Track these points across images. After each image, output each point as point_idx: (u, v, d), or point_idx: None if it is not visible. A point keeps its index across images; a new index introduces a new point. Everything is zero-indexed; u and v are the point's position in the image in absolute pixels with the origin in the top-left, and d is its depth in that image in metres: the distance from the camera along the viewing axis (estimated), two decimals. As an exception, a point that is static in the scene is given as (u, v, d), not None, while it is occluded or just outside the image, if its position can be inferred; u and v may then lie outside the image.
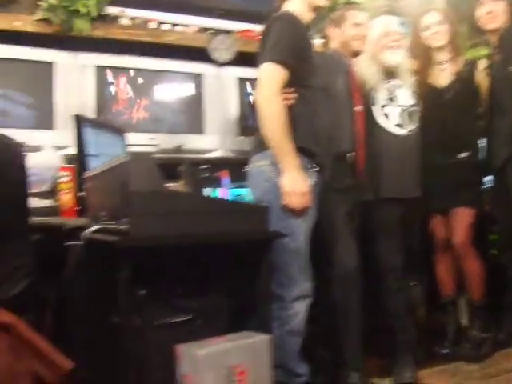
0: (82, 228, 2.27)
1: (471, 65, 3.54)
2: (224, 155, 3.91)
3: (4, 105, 3.36)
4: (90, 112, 3.47)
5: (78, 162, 2.94)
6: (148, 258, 2.05)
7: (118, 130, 3.38)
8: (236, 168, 3.53)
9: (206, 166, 3.51)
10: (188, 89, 3.88)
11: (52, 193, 2.96)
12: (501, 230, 3.71)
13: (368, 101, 3.22)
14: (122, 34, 3.66)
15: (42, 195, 2.93)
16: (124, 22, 3.72)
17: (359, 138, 3.08)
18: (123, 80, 3.68)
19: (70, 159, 3.13)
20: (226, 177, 3.51)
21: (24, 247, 2.11)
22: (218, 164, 3.60)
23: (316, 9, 2.73)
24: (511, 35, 3.33)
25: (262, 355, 2.19)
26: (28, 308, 2.09)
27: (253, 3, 4.09)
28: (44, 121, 3.41)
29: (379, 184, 3.19)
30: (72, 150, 3.19)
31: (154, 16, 3.84)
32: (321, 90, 2.74)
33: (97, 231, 2.17)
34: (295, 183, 2.49)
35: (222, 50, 3.90)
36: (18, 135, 2.15)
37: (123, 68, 3.69)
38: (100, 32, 3.60)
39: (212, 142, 3.88)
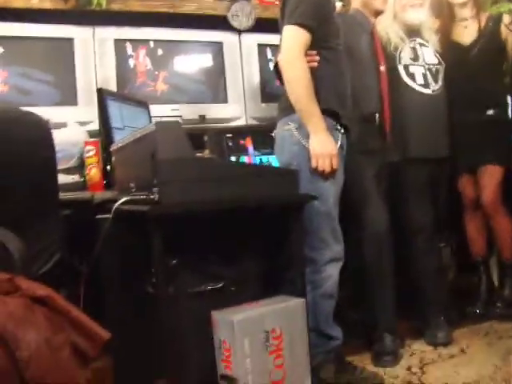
0: (112, 201, 2.28)
1: (495, 20, 3.46)
2: (247, 123, 3.89)
3: (26, 83, 3.35)
4: (112, 86, 3.46)
5: (104, 135, 2.95)
6: (179, 227, 2.05)
7: (141, 103, 3.39)
8: (260, 135, 3.53)
9: (231, 135, 3.49)
10: (208, 58, 3.85)
11: (79, 168, 2.96)
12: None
13: (392, 60, 3.17)
14: (140, 5, 3.61)
15: (69, 171, 2.93)
16: (141, -7, 3.69)
17: (384, 99, 3.05)
18: (143, 52, 3.65)
19: (95, 134, 3.12)
20: (250, 144, 3.50)
21: (55, 223, 2.12)
22: (242, 132, 3.59)
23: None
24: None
25: (297, 319, 2.20)
26: (62, 282, 2.11)
27: (270, -32, 4.03)
28: (67, 97, 3.39)
29: (407, 144, 3.15)
30: (96, 125, 3.20)
31: (170, -14, 3.81)
32: (344, 51, 2.70)
33: (126, 202, 2.17)
34: (323, 145, 2.48)
35: (241, 17, 3.86)
36: (42, 113, 2.15)
37: (142, 40, 3.65)
38: (117, 5, 3.55)
39: (235, 110, 3.85)
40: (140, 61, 3.64)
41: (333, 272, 2.58)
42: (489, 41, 3.41)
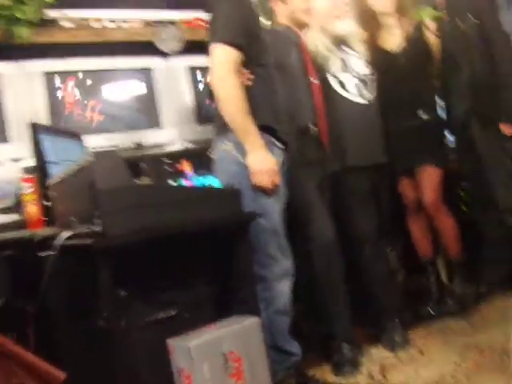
0: (53, 237, 2.22)
1: (420, 26, 3.54)
2: (183, 146, 3.87)
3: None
4: (44, 120, 3.40)
5: (39, 171, 2.88)
6: (126, 257, 2.01)
7: (75, 135, 3.32)
8: (198, 157, 3.52)
9: (168, 160, 3.47)
10: (139, 84, 3.84)
11: (16, 206, 2.88)
12: (470, 186, 3.76)
13: (323, 72, 3.20)
14: (66, 36, 3.57)
15: (6, 210, 2.86)
16: (66, 24, 3.63)
17: (319, 111, 3.06)
18: (71, 83, 3.60)
19: (29, 170, 3.05)
20: (188, 167, 3.48)
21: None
22: (179, 156, 3.58)
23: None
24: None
25: (253, 338, 2.18)
26: (10, 326, 2.04)
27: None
28: (-3, 134, 3.34)
29: (344, 154, 3.18)
30: (31, 161, 3.12)
31: (96, 15, 3.76)
32: (275, 67, 2.71)
33: (70, 237, 2.11)
34: (262, 162, 2.47)
35: (169, 41, 3.84)
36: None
37: (71, 71, 3.61)
38: (43, 37, 3.50)
39: (170, 134, 3.84)
40: (70, 91, 3.58)
41: (284, 288, 2.57)
42: (415, 46, 3.47)
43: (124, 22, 3.85)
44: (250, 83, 2.54)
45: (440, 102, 3.60)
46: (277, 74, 2.72)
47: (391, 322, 3.14)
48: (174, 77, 3.92)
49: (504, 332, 2.94)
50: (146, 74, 3.85)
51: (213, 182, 2.93)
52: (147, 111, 3.83)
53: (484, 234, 3.66)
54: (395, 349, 3.05)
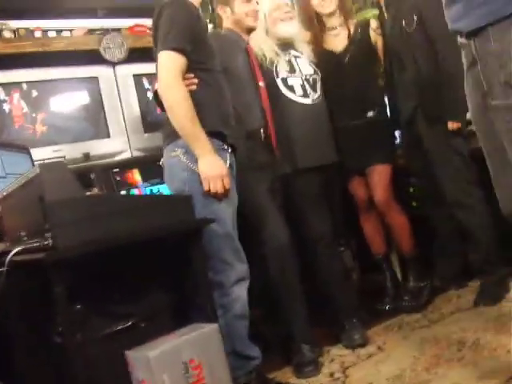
0: (3, 253, 2.17)
1: (363, 26, 3.57)
2: (133, 155, 3.83)
3: None
4: (-12, 134, 3.33)
5: (-15, 186, 2.81)
6: (79, 269, 1.98)
7: (22, 148, 3.25)
8: (147, 166, 3.48)
9: (117, 170, 3.43)
10: (85, 94, 3.77)
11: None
12: (419, 182, 3.81)
13: (270, 75, 3.21)
14: (7, 47, 3.49)
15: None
16: (7, 34, 3.56)
17: (267, 114, 3.06)
18: (16, 96, 3.53)
19: (-25, 186, 2.98)
20: (138, 177, 3.45)
21: None
22: (128, 165, 3.53)
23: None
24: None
25: (213, 345, 2.16)
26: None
27: (138, -3, 4.00)
28: None
29: (293, 156, 3.19)
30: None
31: (38, 25, 3.70)
32: (221, 72, 2.71)
33: (19, 253, 2.07)
34: (213, 167, 2.46)
35: (114, 48, 3.80)
36: None
37: (15, 83, 3.53)
38: (-16, 49, 3.43)
39: (118, 144, 3.79)
40: (15, 104, 3.51)
41: (241, 292, 2.56)
42: (360, 46, 3.51)
43: (67, 30, 3.80)
44: (194, 87, 2.53)
45: (386, 101, 3.65)
46: (223, 78, 2.72)
47: (349, 321, 3.15)
48: (120, 85, 3.87)
49: (459, 324, 3.00)
50: (92, 82, 3.78)
51: (163, 189, 2.91)
52: (95, 121, 3.77)
53: (436, 229, 3.72)
54: (355, 347, 3.06)
